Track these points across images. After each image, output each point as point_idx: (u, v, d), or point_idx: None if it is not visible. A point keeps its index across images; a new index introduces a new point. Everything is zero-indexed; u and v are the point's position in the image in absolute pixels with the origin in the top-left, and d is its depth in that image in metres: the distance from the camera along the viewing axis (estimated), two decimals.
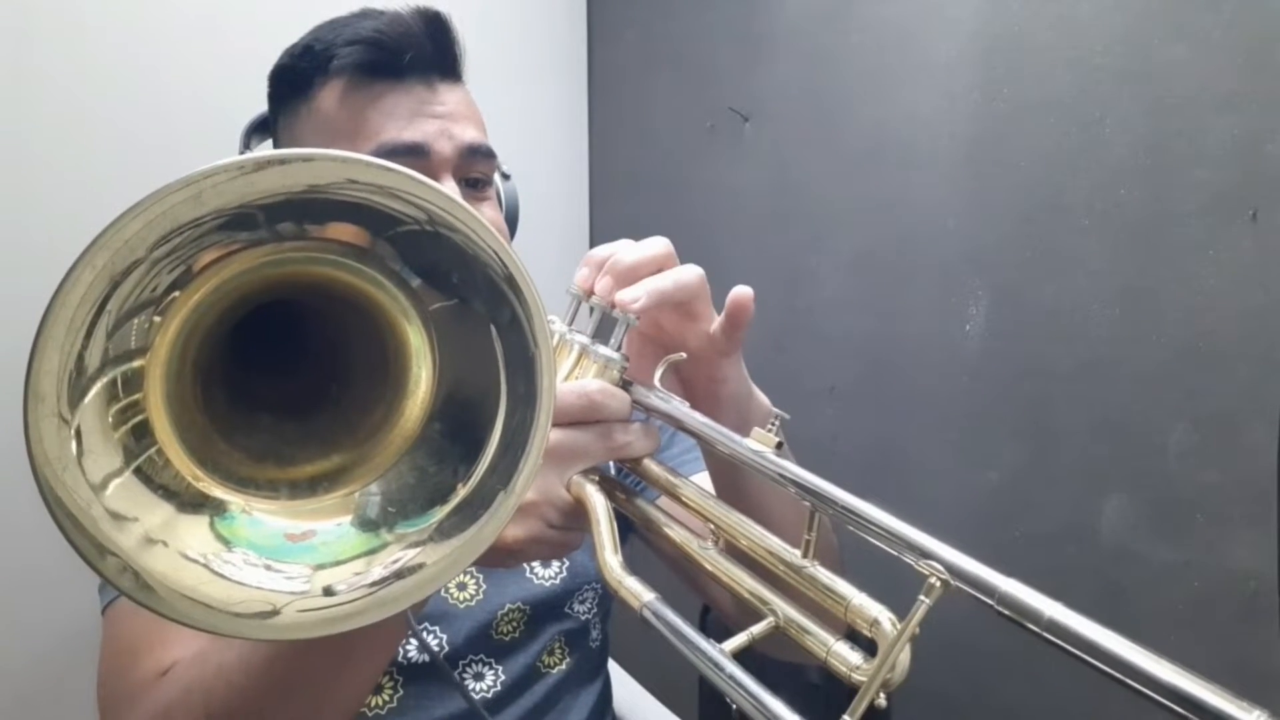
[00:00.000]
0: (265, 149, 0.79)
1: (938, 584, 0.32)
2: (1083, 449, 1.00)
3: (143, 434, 0.37)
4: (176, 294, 0.37)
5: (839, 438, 1.28)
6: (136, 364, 0.36)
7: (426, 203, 0.38)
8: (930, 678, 1.10)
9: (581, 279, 0.58)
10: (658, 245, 0.58)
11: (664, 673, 1.22)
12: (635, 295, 0.54)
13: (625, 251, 0.57)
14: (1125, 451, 0.96)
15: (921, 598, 0.32)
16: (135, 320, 0.35)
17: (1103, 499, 0.98)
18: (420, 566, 0.41)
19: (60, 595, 1.13)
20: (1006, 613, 0.29)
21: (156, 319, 0.37)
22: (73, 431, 0.33)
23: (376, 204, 0.38)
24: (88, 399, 0.34)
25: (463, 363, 0.43)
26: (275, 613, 0.38)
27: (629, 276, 0.56)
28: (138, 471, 0.36)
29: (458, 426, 0.44)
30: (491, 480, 0.42)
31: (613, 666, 0.96)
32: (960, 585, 0.31)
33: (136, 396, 0.36)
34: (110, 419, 0.35)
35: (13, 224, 1.11)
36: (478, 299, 0.41)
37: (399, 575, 0.41)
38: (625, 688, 1.22)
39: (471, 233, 0.39)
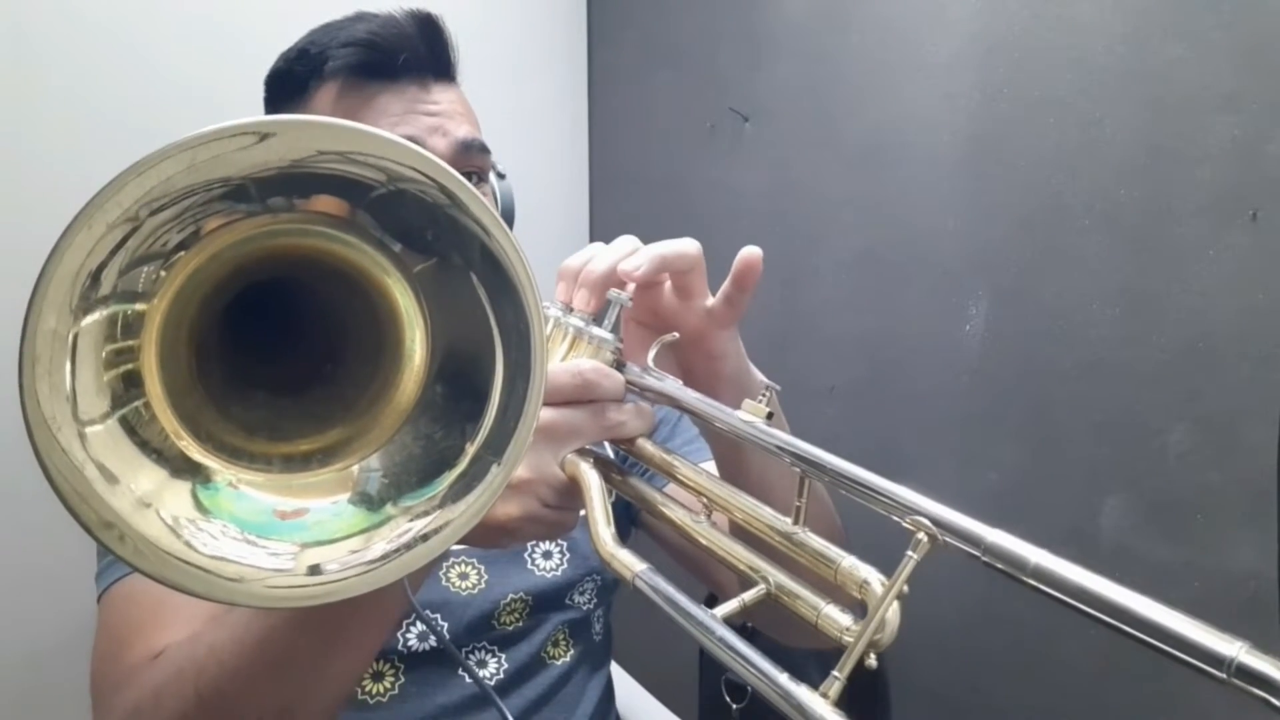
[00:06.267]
0: None
1: (925, 538, 0.31)
2: (1083, 449, 1.00)
3: (132, 384, 0.37)
4: (182, 253, 0.37)
5: (839, 438, 1.28)
6: (140, 307, 0.37)
7: (379, 159, 0.38)
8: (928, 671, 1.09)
9: (561, 294, 0.59)
10: (629, 241, 0.59)
11: (664, 673, 1.22)
12: (637, 263, 0.54)
13: (597, 260, 0.57)
14: (1125, 451, 0.96)
15: (909, 553, 0.32)
16: (145, 268, 0.36)
17: (1103, 499, 0.98)
18: (436, 531, 0.41)
19: (59, 592, 1.13)
20: (994, 563, 0.29)
21: (163, 273, 0.37)
22: (69, 344, 0.33)
23: (345, 173, 0.38)
24: (90, 319, 0.34)
25: (454, 323, 0.43)
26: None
27: (604, 284, 0.56)
28: (123, 421, 0.36)
29: (459, 386, 0.44)
30: (485, 453, 0.42)
31: (613, 666, 0.95)
32: (947, 538, 0.31)
33: (133, 343, 0.36)
34: (104, 356, 0.35)
35: (11, 222, 1.12)
36: (452, 250, 0.41)
37: (410, 545, 0.41)
38: (625, 687, 1.22)
39: (420, 174, 0.38)
